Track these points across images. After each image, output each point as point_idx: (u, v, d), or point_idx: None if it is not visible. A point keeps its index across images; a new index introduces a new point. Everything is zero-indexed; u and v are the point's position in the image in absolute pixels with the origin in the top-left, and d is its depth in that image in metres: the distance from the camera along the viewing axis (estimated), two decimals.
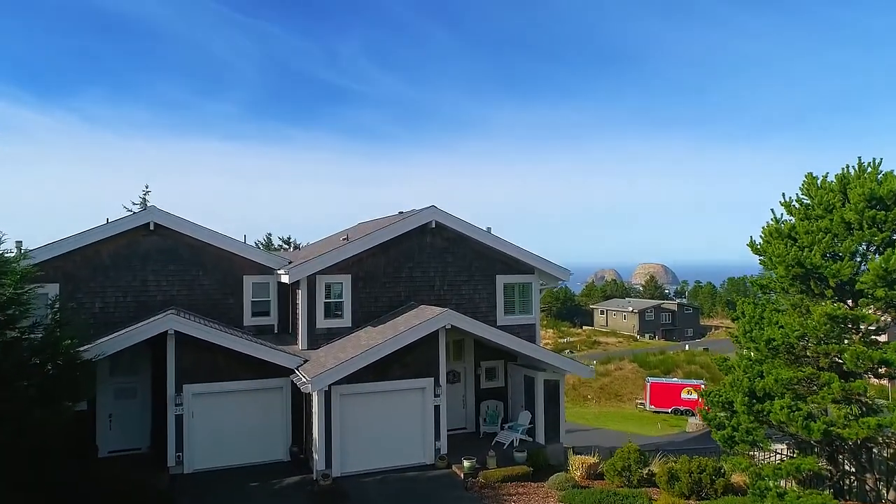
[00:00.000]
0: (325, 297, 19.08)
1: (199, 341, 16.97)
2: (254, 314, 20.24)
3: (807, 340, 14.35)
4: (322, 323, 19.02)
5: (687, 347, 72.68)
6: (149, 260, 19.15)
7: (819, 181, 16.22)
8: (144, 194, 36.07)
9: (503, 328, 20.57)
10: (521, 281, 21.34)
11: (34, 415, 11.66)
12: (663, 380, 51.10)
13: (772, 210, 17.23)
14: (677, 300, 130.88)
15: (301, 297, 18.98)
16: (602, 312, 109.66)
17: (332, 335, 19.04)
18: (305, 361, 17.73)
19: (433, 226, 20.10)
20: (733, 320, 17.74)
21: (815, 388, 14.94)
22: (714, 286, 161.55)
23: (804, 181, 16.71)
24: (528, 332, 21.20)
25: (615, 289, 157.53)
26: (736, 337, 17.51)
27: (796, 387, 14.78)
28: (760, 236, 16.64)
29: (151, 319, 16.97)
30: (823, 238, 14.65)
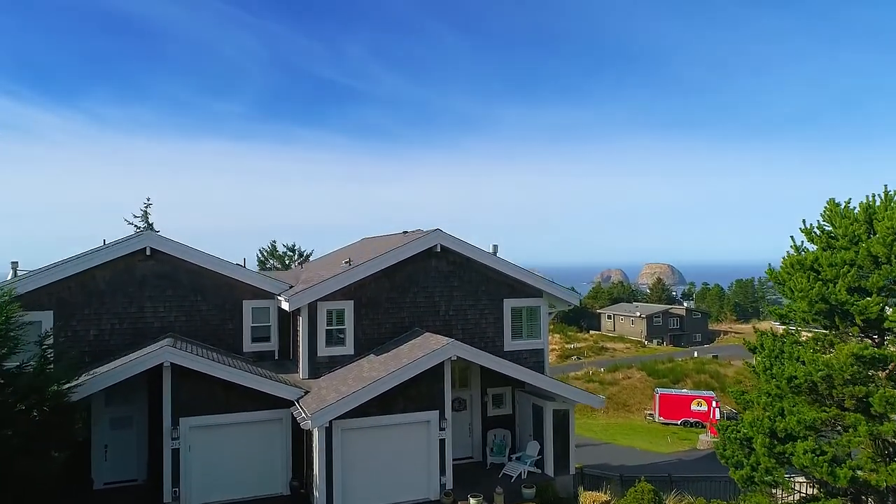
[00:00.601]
0: (327, 325, 18.46)
1: (196, 373, 16.40)
2: (254, 340, 19.64)
3: (831, 380, 13.65)
4: (323, 351, 18.41)
5: (696, 354, 71.81)
6: (145, 285, 18.59)
7: (842, 208, 15.53)
8: (146, 207, 35.39)
9: (510, 353, 20.01)
10: (528, 305, 20.68)
11: (19, 465, 11.09)
12: (673, 391, 50.29)
13: (791, 237, 16.57)
14: (685, 302, 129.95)
15: (302, 324, 18.37)
16: (609, 317, 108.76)
17: (334, 363, 18.44)
18: (306, 393, 17.14)
19: (438, 249, 19.46)
20: (751, 350, 17.06)
21: (839, 428, 14.27)
22: (722, 288, 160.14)
23: (826, 208, 16.03)
24: (536, 358, 20.57)
25: (622, 291, 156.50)
26: (754, 368, 16.86)
27: (820, 427, 14.11)
28: (780, 267, 15.98)
29: (146, 351, 16.40)
30: (849, 272, 13.95)
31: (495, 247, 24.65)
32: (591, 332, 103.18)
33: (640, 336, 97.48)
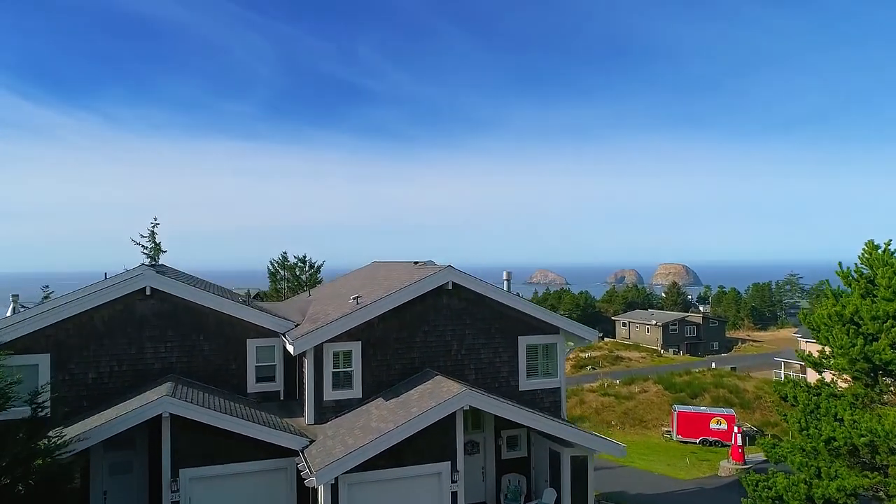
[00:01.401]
0: (333, 367, 17.67)
1: (197, 422, 15.68)
2: (258, 380, 18.94)
3: (875, 446, 12.64)
4: (330, 395, 17.62)
5: (713, 365, 70.31)
6: (145, 326, 17.93)
7: (881, 252, 14.50)
8: (153, 227, 34.74)
9: (526, 393, 19.24)
10: (544, 342, 19.77)
11: None
12: (691, 408, 48.97)
13: (827, 282, 15.56)
14: (701, 307, 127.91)
15: (307, 366, 17.60)
16: (624, 324, 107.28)
17: (342, 407, 17.64)
18: (311, 442, 16.35)
19: (450, 286, 18.60)
20: (782, 398, 16.05)
21: (882, 494, 13.24)
22: (738, 291, 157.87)
23: (864, 250, 15.00)
24: (552, 397, 19.69)
25: (636, 295, 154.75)
26: (784, 414, 15.87)
27: (861, 493, 13.10)
28: (815, 314, 14.98)
29: (145, 400, 15.69)
30: (893, 326, 12.93)
31: (509, 274, 23.78)
32: (606, 339, 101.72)
33: (655, 344, 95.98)
